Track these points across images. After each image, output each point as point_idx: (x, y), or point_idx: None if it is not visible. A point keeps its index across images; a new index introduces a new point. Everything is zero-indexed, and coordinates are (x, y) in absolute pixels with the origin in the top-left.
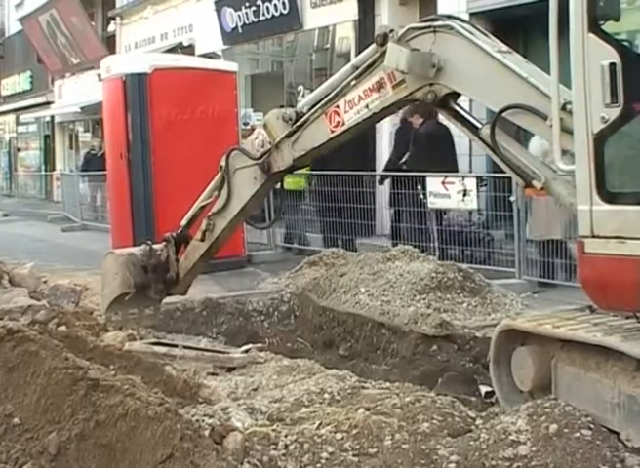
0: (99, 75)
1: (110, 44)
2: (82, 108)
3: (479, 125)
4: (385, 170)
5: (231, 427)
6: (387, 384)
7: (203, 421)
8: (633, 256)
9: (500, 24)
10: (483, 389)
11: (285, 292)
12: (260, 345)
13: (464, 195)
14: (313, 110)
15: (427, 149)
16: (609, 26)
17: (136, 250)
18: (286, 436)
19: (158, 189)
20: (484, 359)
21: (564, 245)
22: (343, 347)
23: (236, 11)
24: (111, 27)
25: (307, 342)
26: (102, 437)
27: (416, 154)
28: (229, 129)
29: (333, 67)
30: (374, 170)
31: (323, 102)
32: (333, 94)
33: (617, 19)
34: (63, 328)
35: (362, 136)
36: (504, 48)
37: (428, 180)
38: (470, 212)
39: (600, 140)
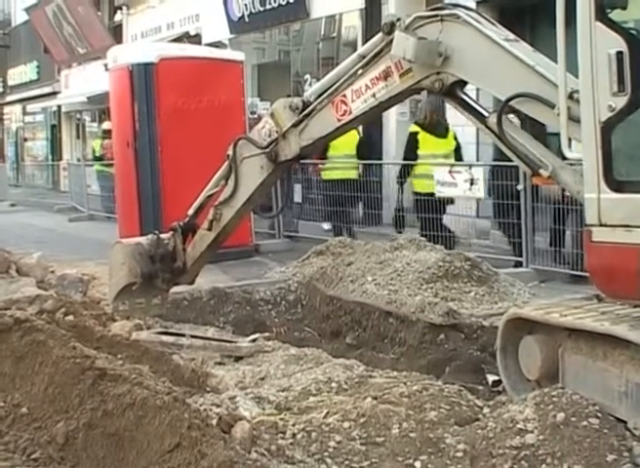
0: (105, 65)
1: (117, 34)
2: (89, 98)
3: (486, 113)
4: None
5: (239, 416)
6: (395, 373)
7: (211, 410)
8: None
9: (507, 13)
10: (490, 378)
11: (292, 281)
12: (267, 334)
13: (471, 184)
14: (320, 99)
15: None
16: (616, 14)
17: (143, 239)
18: (294, 425)
19: (165, 178)
20: (491, 348)
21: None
22: (351, 336)
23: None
24: (117, 17)
25: (315, 331)
26: (110, 426)
27: None
28: (236, 118)
29: (339, 56)
30: (380, 158)
31: (330, 91)
32: (339, 83)
33: (624, 7)
34: (71, 317)
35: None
36: (511, 36)
37: (435, 169)
38: None
39: (607, 129)
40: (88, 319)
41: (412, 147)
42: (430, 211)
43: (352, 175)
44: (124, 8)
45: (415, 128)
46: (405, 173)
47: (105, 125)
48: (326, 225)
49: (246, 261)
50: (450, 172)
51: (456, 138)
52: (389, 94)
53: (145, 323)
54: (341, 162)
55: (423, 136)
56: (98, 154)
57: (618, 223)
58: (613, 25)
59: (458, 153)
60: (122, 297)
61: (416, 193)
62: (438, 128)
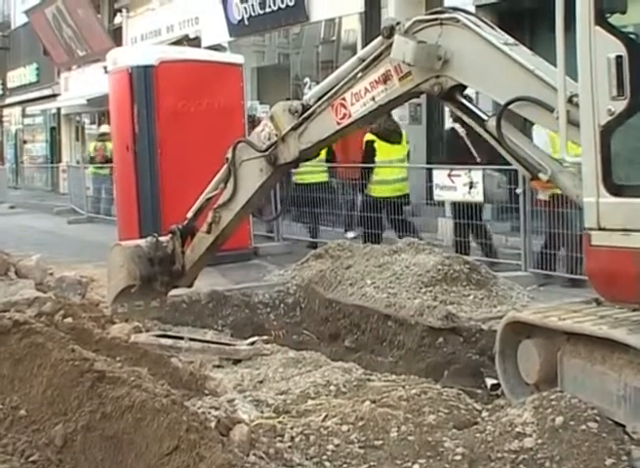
0: (105, 67)
1: (116, 36)
2: (88, 100)
3: (485, 117)
4: None
5: (237, 419)
6: (393, 376)
7: (209, 413)
8: (639, 249)
9: (507, 17)
10: (489, 381)
11: (291, 284)
12: (265, 337)
13: (470, 187)
14: (319, 102)
15: None
16: (615, 19)
17: (142, 242)
18: (292, 428)
19: (164, 181)
20: (490, 351)
21: None
22: (349, 339)
23: (242, 3)
24: (117, 19)
25: (313, 335)
26: (109, 429)
27: None
28: (236, 121)
29: (339, 60)
30: None
31: (329, 95)
32: (339, 86)
33: (623, 12)
34: (70, 320)
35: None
36: (511, 40)
37: (435, 173)
38: None
39: (606, 133)
40: (87, 321)
41: (369, 155)
42: (388, 213)
43: (323, 178)
44: (124, 10)
45: (370, 136)
46: (366, 179)
47: (103, 128)
48: (350, 234)
49: (245, 264)
50: (449, 175)
51: (407, 142)
52: (389, 97)
53: (144, 325)
54: (313, 165)
55: (379, 144)
56: (92, 155)
57: (617, 227)
58: (612, 30)
59: (408, 157)
60: (121, 300)
61: (373, 197)
62: (392, 135)
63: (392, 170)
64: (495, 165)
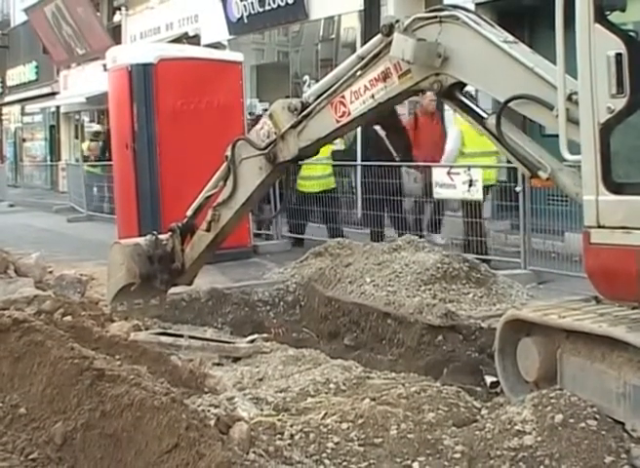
0: (104, 65)
1: (116, 34)
2: (87, 99)
3: (485, 115)
4: None
5: (237, 417)
6: (393, 374)
7: (209, 411)
8: (639, 247)
9: (506, 15)
10: (488, 379)
11: (290, 282)
12: (265, 335)
13: (470, 185)
14: (319, 100)
15: None
16: (615, 16)
17: (141, 240)
18: (292, 426)
19: (164, 179)
20: (489, 349)
21: None
22: (349, 337)
23: (242, 1)
24: (117, 18)
25: (313, 332)
26: (108, 427)
27: None
28: (235, 119)
29: (338, 57)
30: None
31: (329, 93)
32: (338, 84)
33: (623, 10)
34: (69, 318)
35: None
36: (510, 38)
37: (434, 171)
38: None
39: (606, 131)
40: (86, 319)
41: None
42: (313, 206)
43: None
44: (123, 9)
45: None
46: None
47: (96, 127)
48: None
49: (244, 262)
50: (448, 173)
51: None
52: (388, 95)
53: (144, 323)
54: None
55: None
56: (85, 154)
57: (616, 225)
58: (612, 27)
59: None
60: (120, 298)
61: (300, 192)
62: None
63: (317, 166)
64: (410, 161)
